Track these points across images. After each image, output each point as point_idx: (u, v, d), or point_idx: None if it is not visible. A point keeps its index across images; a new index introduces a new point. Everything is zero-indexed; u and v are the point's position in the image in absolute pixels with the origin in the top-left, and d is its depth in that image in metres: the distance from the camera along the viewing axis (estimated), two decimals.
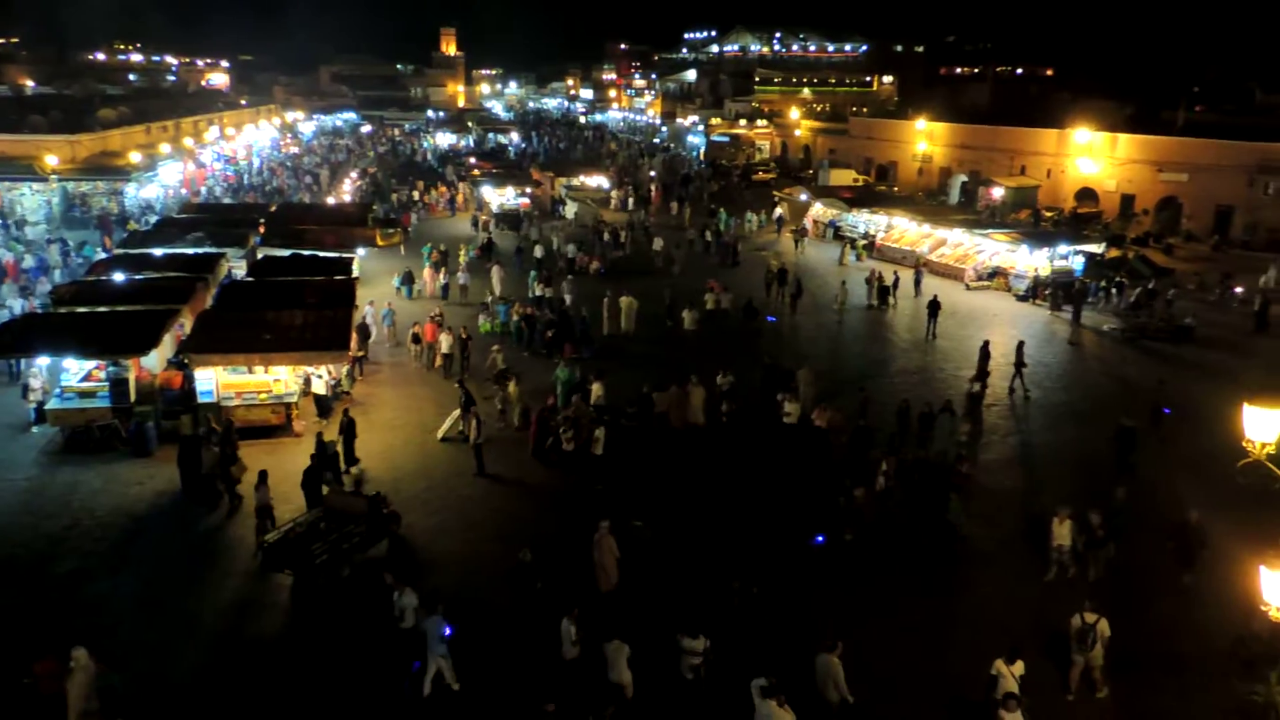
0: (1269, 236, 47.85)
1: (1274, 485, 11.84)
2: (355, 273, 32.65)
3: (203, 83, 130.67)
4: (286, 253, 33.53)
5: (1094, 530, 16.56)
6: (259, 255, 33.85)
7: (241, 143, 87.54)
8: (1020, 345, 27.36)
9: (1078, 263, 38.90)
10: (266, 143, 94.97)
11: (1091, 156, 56.32)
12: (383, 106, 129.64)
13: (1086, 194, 56.83)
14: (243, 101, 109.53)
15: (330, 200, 56.02)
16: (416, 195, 60.64)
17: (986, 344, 27.22)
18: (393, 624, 14.39)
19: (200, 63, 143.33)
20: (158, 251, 31.83)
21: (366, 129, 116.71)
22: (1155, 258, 43.81)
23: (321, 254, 33.66)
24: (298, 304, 25.13)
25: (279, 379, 23.55)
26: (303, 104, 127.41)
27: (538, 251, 41.78)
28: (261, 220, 39.41)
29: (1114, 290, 36.76)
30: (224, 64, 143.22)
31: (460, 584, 16.48)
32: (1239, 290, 36.97)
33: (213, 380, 22.71)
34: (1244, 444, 12.30)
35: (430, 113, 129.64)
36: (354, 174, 70.69)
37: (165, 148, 63.54)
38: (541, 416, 22.10)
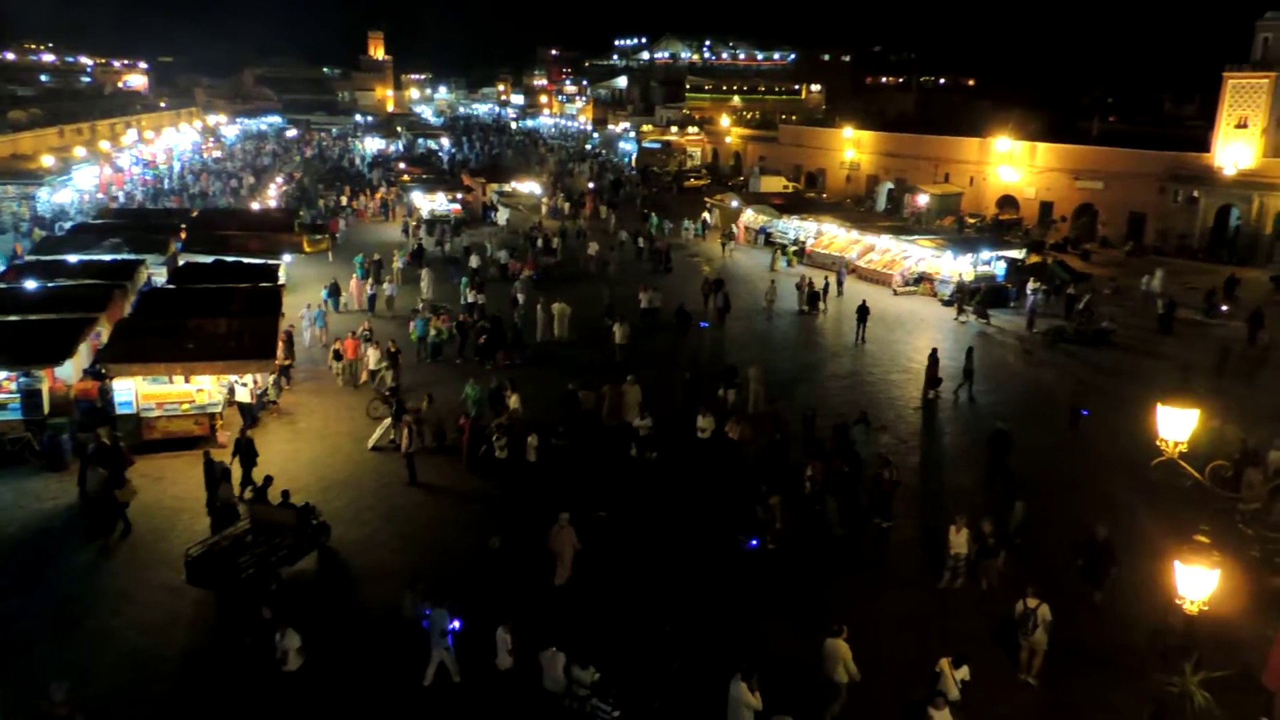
0: (1179, 242, 49.78)
1: (1185, 483, 12.27)
2: (282, 280, 31.95)
3: (120, 84, 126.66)
4: (209, 259, 32.71)
5: (985, 539, 16.50)
6: (180, 262, 32.94)
7: (161, 146, 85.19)
8: (970, 352, 27.80)
9: (999, 268, 39.95)
10: (188, 146, 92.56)
11: (1012, 165, 57.93)
12: (309, 110, 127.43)
13: (1008, 201, 58.44)
14: (162, 104, 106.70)
15: (255, 206, 54.76)
16: (345, 201, 59.68)
17: (935, 352, 27.55)
18: (274, 668, 13.11)
19: (117, 64, 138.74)
20: (72, 258, 30.78)
21: (292, 133, 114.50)
22: (1073, 263, 45.19)
23: (246, 260, 32.91)
24: (221, 312, 24.51)
25: (202, 389, 22.93)
26: (225, 107, 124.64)
27: (474, 262, 40.78)
28: (183, 226, 38.37)
29: (1043, 294, 37.83)
30: (142, 65, 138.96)
31: (392, 596, 16.19)
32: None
33: (132, 391, 22.01)
34: (1158, 443, 12.74)
35: (358, 117, 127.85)
36: (280, 179, 69.26)
37: (80, 151, 61.54)
38: (475, 425, 21.92)
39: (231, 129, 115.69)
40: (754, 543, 17.71)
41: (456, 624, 13.84)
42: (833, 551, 17.93)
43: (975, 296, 36.96)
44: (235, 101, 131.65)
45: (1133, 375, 28.97)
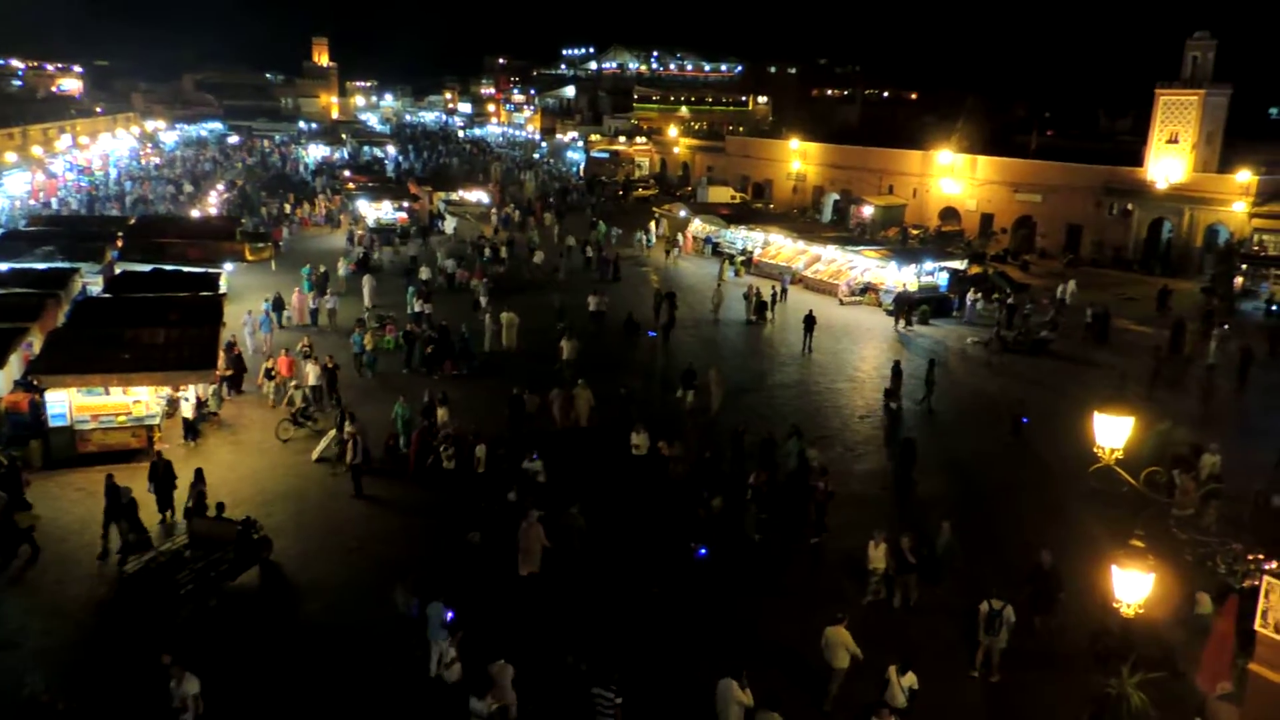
0: (1115, 254, 51.16)
1: (1122, 489, 12.56)
2: (223, 289, 31.38)
3: (53, 88, 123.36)
4: (147, 268, 32.00)
5: (904, 555, 16.40)
6: (117, 270, 32.17)
7: (97, 152, 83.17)
8: (931, 364, 28.13)
9: (942, 278, 40.68)
10: (125, 152, 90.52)
11: (954, 177, 59.06)
12: (251, 117, 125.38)
13: (950, 213, 59.57)
14: (98, 109, 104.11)
15: (195, 213, 53.71)
16: (288, 209, 58.81)
17: (898, 363, 27.95)
18: (172, 716, 12.35)
19: (50, 67, 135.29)
20: (2, 266, 29.89)
21: (234, 139, 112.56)
22: (1013, 274, 46.17)
23: (186, 269, 32.26)
24: (160, 321, 23.95)
25: (139, 400, 22.38)
26: (164, 113, 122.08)
27: (424, 274, 39.71)
28: (119, 234, 37.49)
29: (978, 303, 38.60)
30: (77, 69, 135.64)
31: (337, 610, 15.98)
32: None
33: (66, 402, 21.41)
34: (1095, 449, 13.04)
35: (302, 124, 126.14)
36: (221, 186, 68.04)
37: (11, 156, 59.84)
38: (423, 435, 21.71)
39: (170, 135, 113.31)
40: (702, 551, 17.74)
41: (449, 615, 14.09)
42: (760, 563, 17.77)
43: (919, 306, 37.71)
44: (175, 107, 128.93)
45: (1071, 383, 29.63)
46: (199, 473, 18.84)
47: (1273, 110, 66.29)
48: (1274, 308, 37.95)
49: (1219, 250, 46.27)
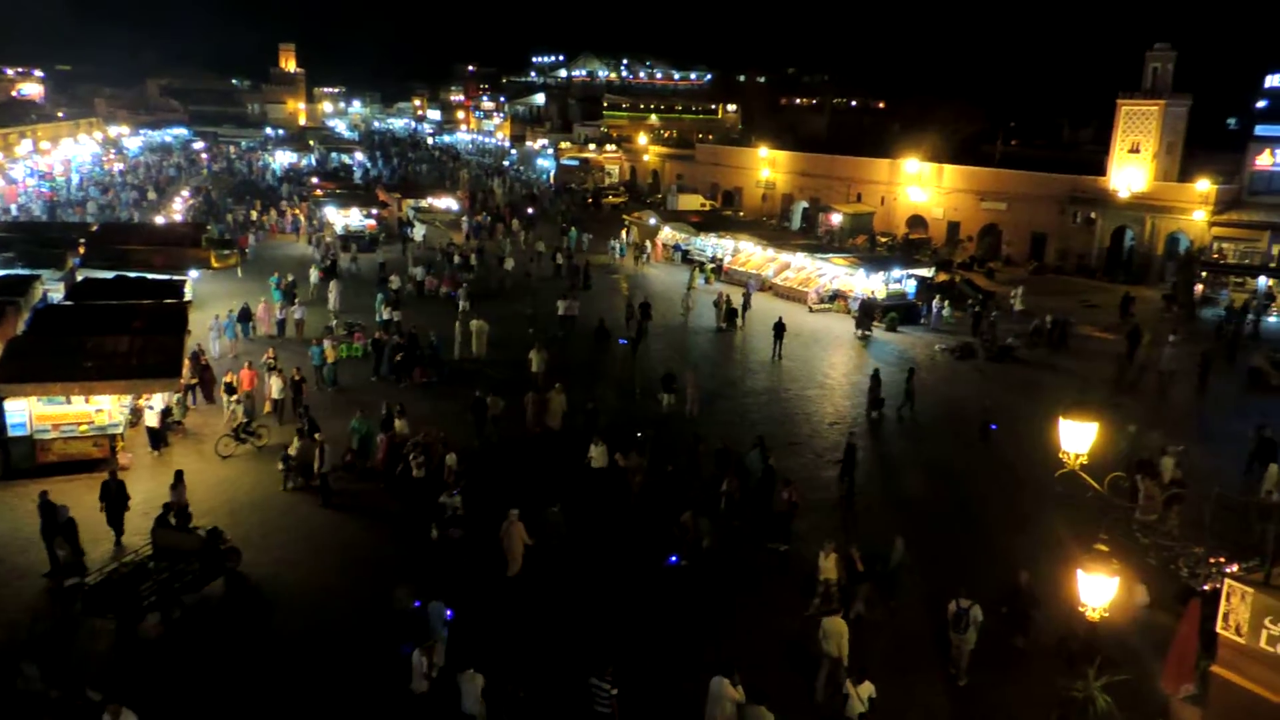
0: (1078, 262, 51.90)
1: (1087, 494, 12.73)
2: (188, 296, 30.97)
3: (13, 93, 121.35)
4: (110, 274, 31.48)
5: (854, 565, 16.36)
6: (79, 277, 31.65)
7: (59, 158, 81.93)
8: (911, 373, 28.23)
9: (910, 286, 41.05)
10: (87, 158, 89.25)
11: (921, 185, 59.67)
12: (217, 122, 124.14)
13: (917, 221, 60.15)
14: (60, 114, 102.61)
15: (160, 220, 53.01)
16: (254, 215, 58.22)
17: (877, 372, 28.04)
18: None
19: (10, 71, 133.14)
20: None
21: (199, 145, 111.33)
22: (979, 281, 46.69)
23: (150, 276, 31.79)
24: (123, 329, 23.57)
25: (101, 409, 22.01)
26: (128, 118, 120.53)
27: (394, 282, 38.89)
28: (81, 240, 36.90)
29: (945, 310, 39.00)
30: (38, 73, 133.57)
31: (308, 620, 15.80)
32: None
33: (25, 412, 21.02)
34: (1060, 455, 13.21)
35: (269, 130, 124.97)
36: (186, 192, 67.25)
37: None
38: (391, 443, 21.57)
39: (134, 140, 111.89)
40: (673, 559, 17.74)
41: (449, 614, 14.46)
42: (723, 571, 17.71)
43: (888, 314, 38.07)
44: (139, 112, 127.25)
45: (1037, 389, 29.96)
46: (179, 475, 18.94)
47: (1231, 121, 67.54)
48: (1232, 315, 38.58)
49: (1180, 258, 47.15)
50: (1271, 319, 40.36)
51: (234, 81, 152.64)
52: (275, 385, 25.29)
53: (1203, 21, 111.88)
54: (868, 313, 37.31)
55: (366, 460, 21.93)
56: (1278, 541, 10.56)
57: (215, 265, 41.19)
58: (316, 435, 21.17)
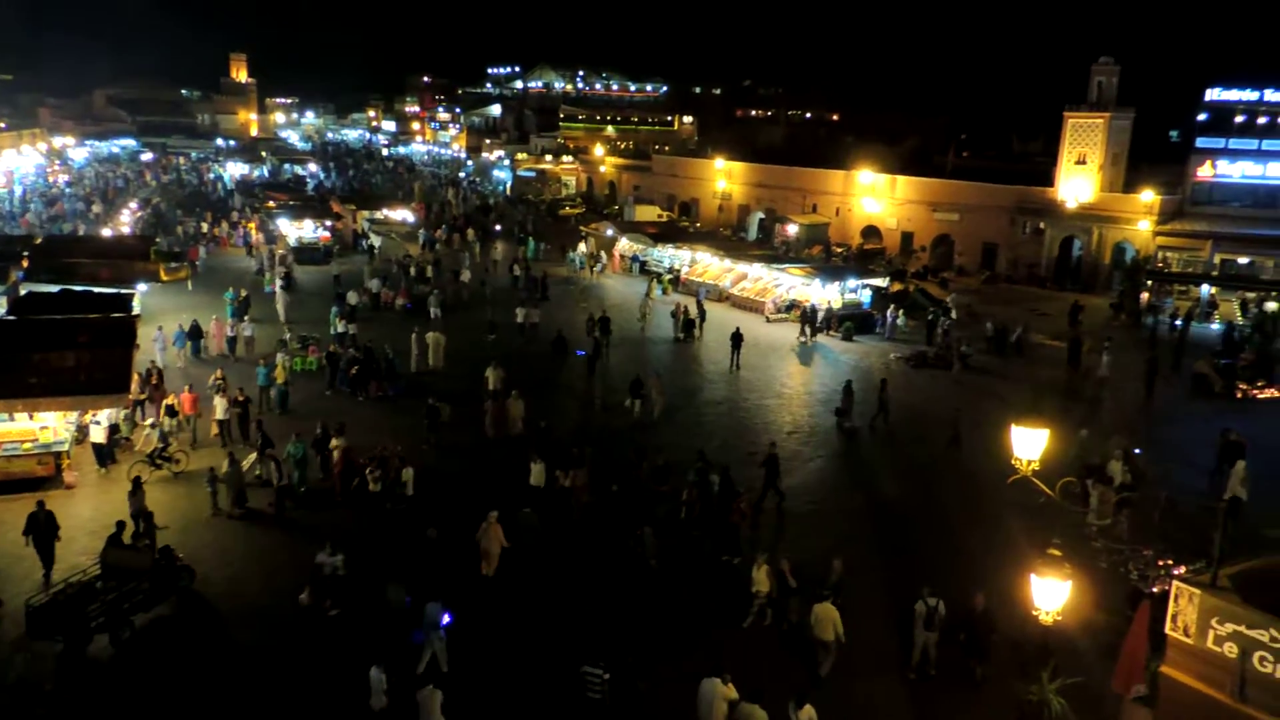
0: (1029, 271, 52.83)
1: (1039, 499, 12.93)
2: (136, 310, 30.38)
3: None
4: (55, 288, 30.82)
5: (785, 577, 16.33)
6: (22, 291, 30.94)
7: (1, 169, 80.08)
8: (884, 383, 28.31)
9: (865, 295, 41.50)
10: (31, 170, 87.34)
11: (875, 197, 60.39)
12: (166, 133, 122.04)
13: (871, 231, 60.85)
14: (1, 125, 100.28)
15: (107, 232, 51.97)
16: (205, 227, 57.29)
17: (849, 383, 28.18)
18: None
19: None
20: None
21: (148, 156, 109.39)
22: (933, 290, 47.28)
23: (96, 290, 31.17)
24: (68, 344, 23.03)
25: (46, 426, 21.49)
26: (74, 129, 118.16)
27: (352, 298, 38.00)
28: (25, 253, 36.09)
29: (900, 319, 39.47)
30: None
31: (263, 637, 15.54)
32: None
33: None
34: (1013, 461, 13.41)
35: (220, 141, 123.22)
36: (134, 204, 66.00)
37: None
38: (347, 457, 21.30)
39: (80, 151, 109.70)
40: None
41: (447, 617, 14.73)
42: (668, 587, 17.60)
43: (845, 323, 38.42)
44: (85, 123, 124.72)
45: (990, 396, 30.40)
46: (137, 481, 18.84)
47: (1173, 133, 69.18)
48: (1177, 322, 39.51)
49: (1126, 267, 48.19)
50: (1214, 326, 41.33)
51: (184, 92, 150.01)
52: (220, 405, 24.34)
53: (1145, 36, 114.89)
54: (808, 319, 37.91)
55: (304, 485, 21.18)
56: (1222, 544, 10.79)
57: (165, 278, 40.56)
58: (269, 450, 20.87)
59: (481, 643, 15.48)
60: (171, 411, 24.25)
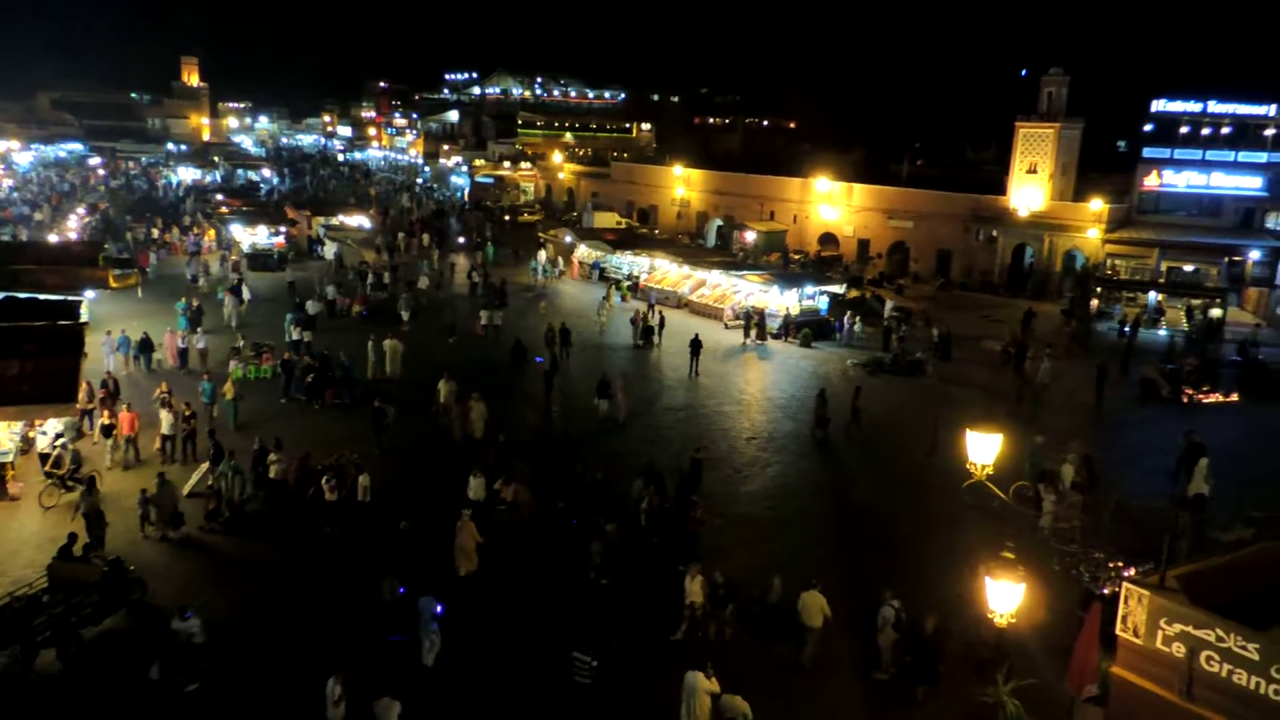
0: (982, 278, 53.64)
1: (993, 503, 13.11)
2: (84, 317, 29.67)
3: None
4: None
5: (717, 589, 16.30)
6: None
7: None
8: (857, 391, 28.36)
9: (823, 302, 41.87)
10: None
11: (831, 204, 60.97)
12: (115, 137, 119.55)
13: (829, 238, 61.42)
14: None
15: (53, 238, 50.79)
16: (156, 233, 56.25)
17: (823, 392, 28.21)
18: None
19: None
20: None
21: (96, 161, 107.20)
22: (889, 297, 47.79)
23: (42, 297, 30.38)
24: (13, 352, 22.42)
25: None
26: (17, 132, 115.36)
27: (312, 307, 37.10)
28: None
29: (857, 325, 39.92)
30: None
31: (219, 649, 15.24)
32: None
33: None
34: (967, 466, 13.59)
35: (171, 145, 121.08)
36: (81, 209, 64.61)
37: None
38: (303, 465, 20.99)
39: (25, 156, 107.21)
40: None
41: (439, 608, 15.13)
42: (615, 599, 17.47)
43: (803, 330, 38.74)
44: (29, 126, 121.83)
45: (946, 402, 30.71)
46: (92, 481, 18.81)
47: (1121, 144, 70.74)
48: (1125, 328, 40.34)
49: (1076, 274, 49.16)
50: (1161, 332, 42.25)
51: (133, 95, 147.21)
52: (165, 421, 23.37)
53: (1093, 49, 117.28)
54: (754, 323, 38.65)
55: (244, 504, 20.34)
56: (1170, 546, 11.02)
57: (114, 285, 39.60)
58: (223, 460, 20.52)
59: (470, 634, 15.89)
60: (107, 430, 23.03)
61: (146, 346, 31.11)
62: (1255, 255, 47.06)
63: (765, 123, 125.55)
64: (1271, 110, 51.70)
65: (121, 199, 77.11)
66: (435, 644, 15.13)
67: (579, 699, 14.30)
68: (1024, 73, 55.34)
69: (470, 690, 14.75)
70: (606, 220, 66.73)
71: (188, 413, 23.79)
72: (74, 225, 56.33)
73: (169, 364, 31.27)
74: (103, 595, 15.81)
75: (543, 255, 52.42)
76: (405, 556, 17.61)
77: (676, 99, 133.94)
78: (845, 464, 25.58)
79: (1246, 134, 52.10)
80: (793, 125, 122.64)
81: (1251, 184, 50.23)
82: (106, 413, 23.80)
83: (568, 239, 55.79)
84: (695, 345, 33.54)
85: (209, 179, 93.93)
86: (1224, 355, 37.20)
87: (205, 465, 21.30)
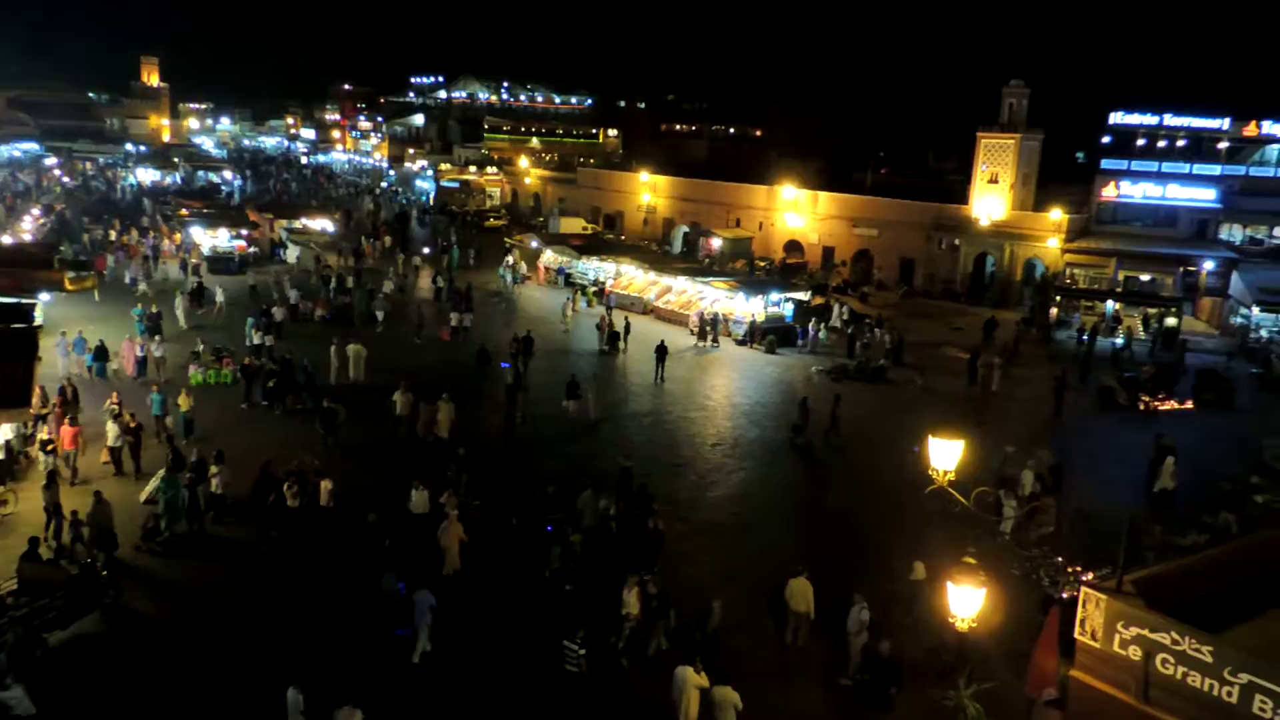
0: (945, 286, 54.23)
1: (954, 508, 13.23)
2: (38, 320, 29.10)
3: None
4: None
5: (650, 600, 16.15)
6: None
7: None
8: (837, 398, 28.37)
9: (788, 309, 42.10)
10: None
11: (797, 212, 61.35)
12: (72, 138, 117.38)
13: (794, 246, 61.78)
14: None
15: (7, 239, 49.75)
16: (113, 235, 55.30)
17: (805, 400, 28.31)
18: None
19: None
20: None
21: (52, 161, 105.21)
22: (853, 304, 48.21)
23: None
24: None
25: None
26: None
27: (278, 314, 36.32)
28: None
29: (821, 332, 40.22)
30: None
31: (182, 658, 15.03)
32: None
33: None
34: (929, 471, 13.72)
35: (129, 146, 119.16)
36: (36, 210, 63.36)
37: None
38: (265, 471, 20.67)
39: None
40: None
41: (433, 603, 15.62)
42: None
43: (766, 336, 38.95)
44: None
45: (908, 408, 31.08)
46: (52, 476, 18.83)
47: (1079, 155, 71.92)
48: (1084, 336, 40.96)
49: (1036, 283, 49.84)
50: (1118, 340, 42.94)
51: (91, 95, 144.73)
52: (112, 433, 22.44)
53: (1053, 61, 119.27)
54: (708, 324, 39.34)
55: (177, 526, 19.21)
56: (1127, 550, 11.20)
57: (69, 288, 39.01)
58: (183, 469, 20.19)
59: (460, 626, 16.33)
60: (46, 447, 21.86)
61: (102, 354, 29.94)
62: (1209, 266, 48.01)
63: (732, 130, 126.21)
64: (1225, 124, 52.89)
65: (78, 200, 75.76)
66: (424, 637, 15.59)
67: (568, 688, 14.79)
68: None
69: (458, 683, 15.13)
70: (573, 226, 66.64)
71: (132, 424, 22.94)
72: (28, 226, 55.22)
73: (126, 373, 30.14)
74: (69, 599, 15.55)
75: (510, 261, 51.96)
76: (384, 549, 18.01)
77: (643, 105, 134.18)
78: (810, 470, 25.74)
79: (1201, 147, 53.23)
80: (759, 133, 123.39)
81: (1205, 196, 51.29)
82: (47, 428, 22.76)
83: (534, 244, 55.60)
84: (661, 351, 33.59)
85: (169, 180, 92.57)
86: (1182, 364, 37.81)
87: (161, 471, 20.88)
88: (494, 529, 19.85)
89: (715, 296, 42.79)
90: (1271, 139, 52.95)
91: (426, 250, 56.00)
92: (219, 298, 38.75)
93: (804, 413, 27.56)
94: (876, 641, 15.11)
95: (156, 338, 31.91)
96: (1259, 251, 49.48)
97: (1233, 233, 51.11)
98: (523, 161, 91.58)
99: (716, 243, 60.09)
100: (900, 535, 20.81)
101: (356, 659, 15.25)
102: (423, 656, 15.54)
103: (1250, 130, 53.04)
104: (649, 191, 71.81)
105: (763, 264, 58.20)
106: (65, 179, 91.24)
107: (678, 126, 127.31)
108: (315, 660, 14.63)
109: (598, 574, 18.16)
